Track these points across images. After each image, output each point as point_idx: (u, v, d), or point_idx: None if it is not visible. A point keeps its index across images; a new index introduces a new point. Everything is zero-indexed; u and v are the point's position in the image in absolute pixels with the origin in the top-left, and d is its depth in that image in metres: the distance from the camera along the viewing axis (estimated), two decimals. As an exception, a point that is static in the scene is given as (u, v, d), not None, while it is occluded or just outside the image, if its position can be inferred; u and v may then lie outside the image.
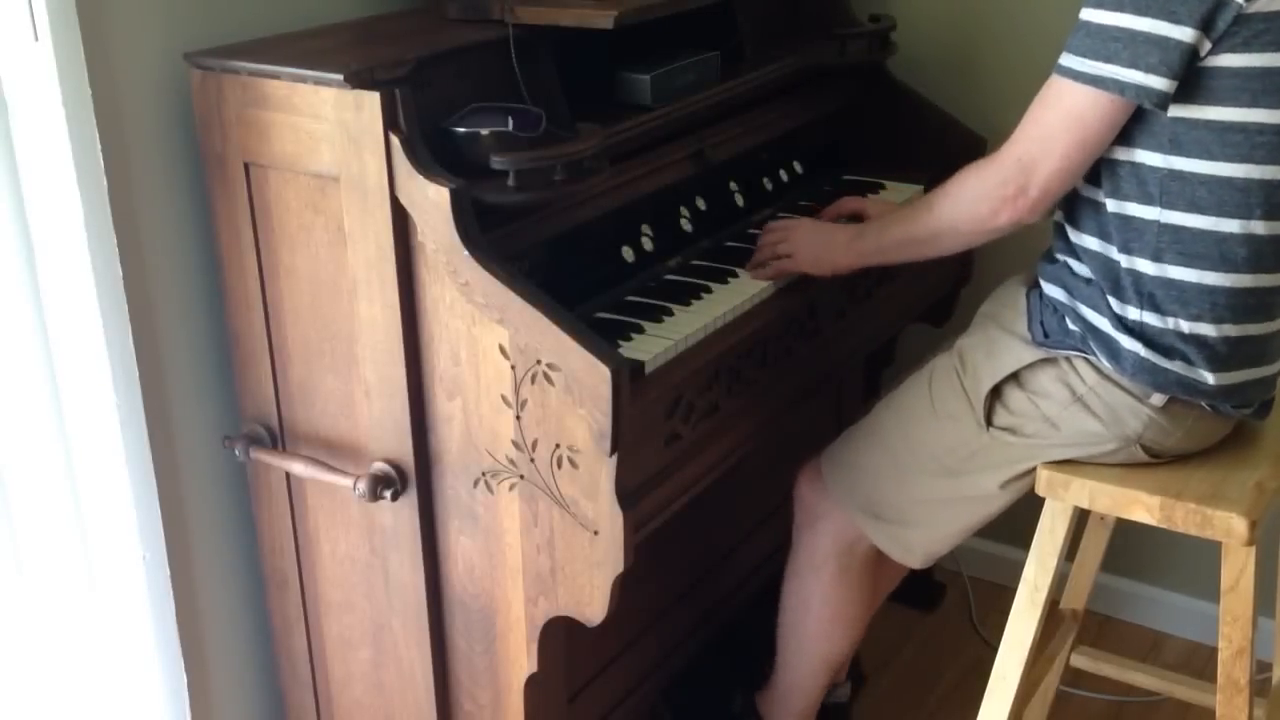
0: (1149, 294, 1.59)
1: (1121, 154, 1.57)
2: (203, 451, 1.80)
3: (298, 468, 1.68)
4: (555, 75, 1.74)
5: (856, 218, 2.03)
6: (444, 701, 1.74)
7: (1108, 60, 1.49)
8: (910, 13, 2.43)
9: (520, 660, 1.64)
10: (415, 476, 1.60)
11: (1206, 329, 1.58)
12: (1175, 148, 1.53)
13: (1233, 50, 1.47)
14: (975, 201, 1.61)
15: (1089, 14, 1.52)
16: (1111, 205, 1.60)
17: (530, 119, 1.58)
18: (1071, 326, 1.66)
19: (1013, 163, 1.57)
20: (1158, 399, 1.63)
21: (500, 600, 1.62)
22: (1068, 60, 1.53)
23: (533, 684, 1.65)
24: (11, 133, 1.57)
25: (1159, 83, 1.48)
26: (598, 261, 1.78)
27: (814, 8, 2.29)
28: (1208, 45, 1.47)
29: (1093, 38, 1.50)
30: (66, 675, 1.77)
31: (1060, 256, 1.69)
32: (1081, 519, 1.92)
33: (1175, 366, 1.59)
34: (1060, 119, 1.54)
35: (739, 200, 2.05)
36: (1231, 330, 1.59)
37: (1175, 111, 1.51)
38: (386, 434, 1.61)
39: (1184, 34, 1.46)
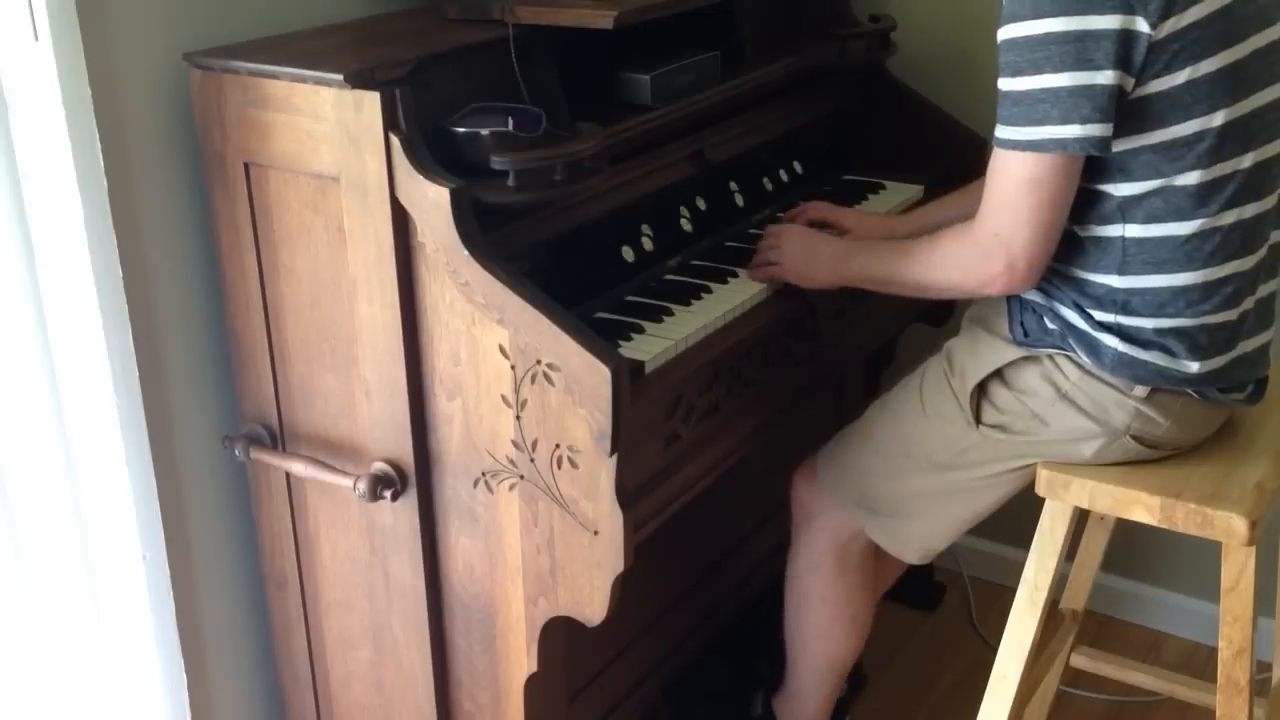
0: (1122, 302, 1.60)
1: (1078, 187, 1.57)
2: (203, 451, 1.80)
3: (298, 468, 1.68)
4: (555, 75, 1.74)
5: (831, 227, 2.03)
6: (444, 701, 1.74)
7: (1040, 123, 1.49)
8: (910, 13, 2.42)
9: (520, 660, 1.64)
10: (415, 476, 1.60)
11: (1184, 322, 1.59)
12: (1125, 174, 1.54)
13: (1155, 77, 1.48)
14: (962, 273, 1.61)
15: (1008, 84, 1.52)
16: (1074, 230, 1.61)
17: (530, 119, 1.58)
18: (1050, 325, 1.66)
19: (989, 238, 1.56)
20: (1141, 390, 1.64)
21: (500, 600, 1.62)
22: (1003, 132, 1.53)
23: (533, 684, 1.65)
24: (11, 133, 1.57)
25: (1098, 129, 1.48)
26: (598, 261, 1.78)
27: (814, 8, 2.29)
28: (1132, 81, 1.47)
29: (1018, 105, 1.50)
30: (66, 675, 1.77)
31: None
32: (1081, 519, 1.92)
33: (1154, 358, 1.60)
34: (1016, 188, 1.53)
35: (739, 200, 2.05)
36: (1210, 319, 1.60)
37: (1116, 146, 1.51)
38: (386, 434, 1.61)
39: (1106, 78, 1.46)
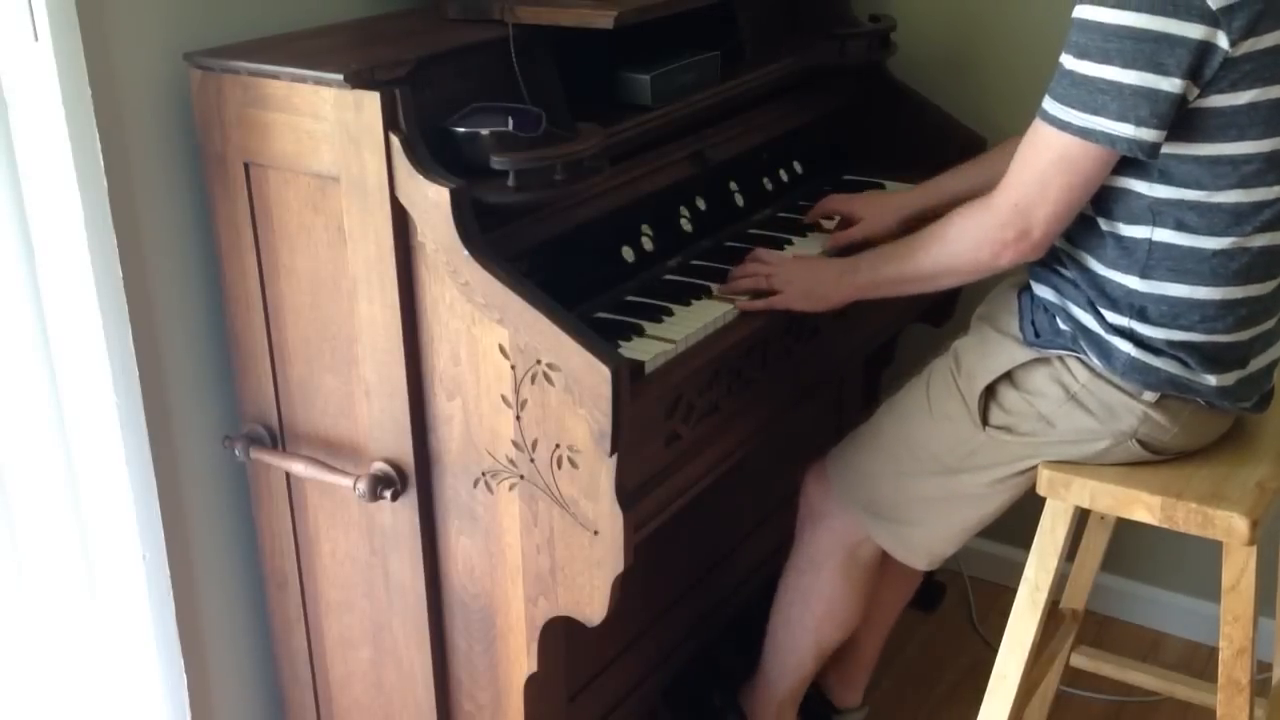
0: (1139, 307, 1.59)
1: (1113, 181, 1.57)
2: (203, 451, 1.80)
3: (298, 468, 1.68)
4: (555, 75, 1.74)
5: (846, 224, 2.03)
6: (444, 701, 1.74)
7: (1095, 112, 1.48)
8: (910, 13, 2.43)
9: (520, 660, 1.64)
10: (415, 476, 1.60)
11: (1196, 338, 1.59)
12: (1164, 178, 1.53)
13: (1220, 92, 1.46)
14: (976, 247, 1.61)
15: (1072, 63, 1.50)
16: (1100, 224, 1.60)
17: (530, 119, 1.58)
18: (1062, 326, 1.66)
19: (1010, 208, 1.56)
20: (1150, 395, 1.63)
21: (500, 600, 1.62)
22: (1053, 109, 1.51)
23: (533, 684, 1.65)
24: (11, 133, 1.57)
25: (1150, 134, 1.47)
26: (598, 261, 1.78)
27: (814, 8, 2.29)
28: (1196, 92, 1.46)
29: (1078, 88, 1.49)
30: (67, 675, 1.77)
31: (1048, 261, 1.69)
32: (1082, 519, 1.92)
33: (1166, 365, 1.60)
34: (1052, 164, 1.52)
35: (739, 200, 2.05)
36: (1222, 338, 1.60)
37: (1164, 149, 1.50)
38: (386, 434, 1.61)
39: (1173, 85, 1.44)
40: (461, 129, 1.57)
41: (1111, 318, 1.61)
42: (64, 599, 1.74)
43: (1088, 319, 1.63)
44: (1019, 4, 2.36)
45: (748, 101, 2.06)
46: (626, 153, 1.79)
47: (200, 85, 1.60)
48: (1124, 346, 1.60)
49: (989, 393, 1.73)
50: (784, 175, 2.17)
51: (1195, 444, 1.71)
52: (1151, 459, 1.69)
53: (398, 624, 1.72)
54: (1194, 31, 1.42)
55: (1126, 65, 1.45)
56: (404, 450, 1.60)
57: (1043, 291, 1.68)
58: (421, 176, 1.46)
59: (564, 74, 1.75)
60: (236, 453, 1.73)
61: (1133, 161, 1.54)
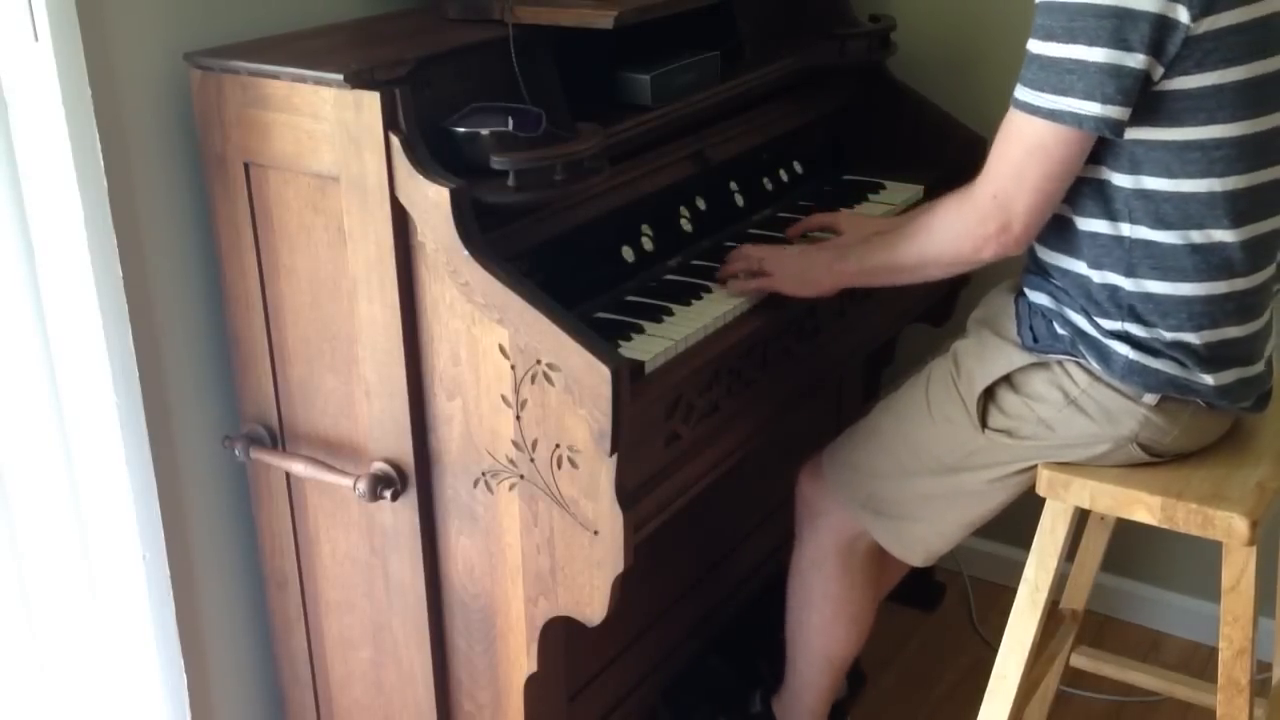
0: (1128, 307, 1.59)
1: (1088, 172, 1.57)
2: (203, 451, 1.80)
3: (298, 468, 1.68)
4: (555, 75, 1.74)
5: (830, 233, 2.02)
6: (444, 701, 1.74)
7: (1063, 93, 1.48)
8: (910, 13, 2.43)
9: (520, 660, 1.64)
10: (415, 476, 1.60)
11: (1188, 337, 1.59)
12: (1135, 167, 1.53)
13: (1185, 73, 1.47)
14: (958, 240, 1.61)
15: (1039, 46, 1.50)
16: (1079, 223, 1.60)
17: (530, 119, 1.58)
18: (1060, 331, 1.66)
19: (988, 200, 1.56)
20: (1150, 398, 1.63)
21: (500, 600, 1.62)
22: (1023, 94, 1.52)
23: (533, 684, 1.65)
24: (11, 133, 1.57)
25: (1117, 112, 1.47)
26: (598, 261, 1.78)
27: (814, 8, 2.29)
28: (1160, 70, 1.46)
29: (1045, 70, 1.49)
30: (67, 675, 1.77)
31: (1036, 271, 1.70)
32: (1082, 519, 1.92)
33: (1165, 367, 1.60)
34: (1025, 153, 1.53)
35: (739, 200, 2.05)
36: (1212, 335, 1.59)
37: (1132, 134, 1.50)
38: (386, 434, 1.61)
39: (1137, 61, 1.45)
40: (461, 129, 1.57)
41: (1106, 323, 1.61)
42: (64, 599, 1.74)
43: (1084, 323, 1.63)
44: (1019, 4, 2.35)
45: (748, 101, 2.06)
46: (626, 153, 1.79)
47: (200, 85, 1.60)
48: (1121, 349, 1.60)
49: (988, 395, 1.73)
50: (784, 175, 2.17)
51: (1195, 445, 1.70)
52: (1151, 461, 1.69)
53: (398, 624, 1.72)
54: (1151, 5, 1.43)
55: (1092, 43, 1.45)
56: (404, 450, 1.60)
57: (1038, 298, 1.68)
58: (421, 176, 1.46)
59: (564, 74, 1.75)
60: (236, 453, 1.73)
61: (1108, 151, 1.54)
